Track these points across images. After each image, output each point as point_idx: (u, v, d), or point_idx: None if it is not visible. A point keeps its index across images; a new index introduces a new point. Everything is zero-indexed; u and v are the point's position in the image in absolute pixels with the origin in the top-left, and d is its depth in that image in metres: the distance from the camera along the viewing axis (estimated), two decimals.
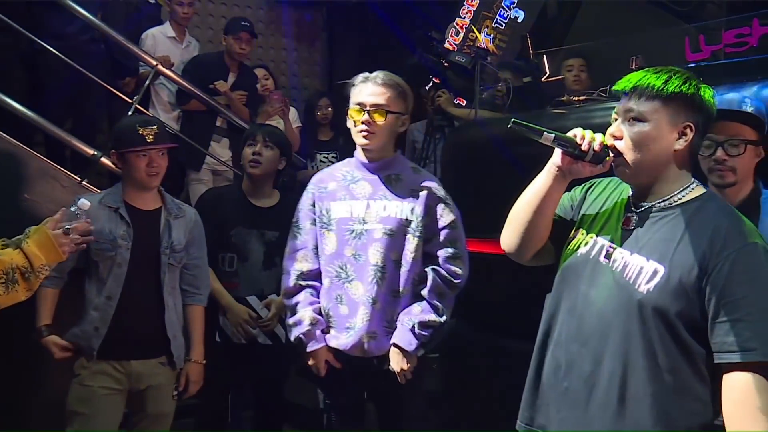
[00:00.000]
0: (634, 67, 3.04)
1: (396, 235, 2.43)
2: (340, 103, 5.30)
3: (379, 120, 2.42)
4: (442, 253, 2.46)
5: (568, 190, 1.84)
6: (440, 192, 2.49)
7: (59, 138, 3.85)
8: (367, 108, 2.41)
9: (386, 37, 6.00)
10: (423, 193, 2.46)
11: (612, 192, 1.81)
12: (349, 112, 2.45)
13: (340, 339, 2.47)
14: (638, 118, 1.63)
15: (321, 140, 5.24)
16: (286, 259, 2.61)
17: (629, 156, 1.64)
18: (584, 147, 1.65)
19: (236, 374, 3.08)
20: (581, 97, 3.46)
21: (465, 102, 4.58)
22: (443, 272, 2.46)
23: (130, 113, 3.86)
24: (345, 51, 6.72)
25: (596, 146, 1.65)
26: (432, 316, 2.44)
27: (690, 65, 3.04)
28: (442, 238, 2.46)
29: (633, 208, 1.71)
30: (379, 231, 2.43)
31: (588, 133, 1.66)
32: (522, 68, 4.35)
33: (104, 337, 2.66)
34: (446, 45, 4.77)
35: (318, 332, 2.50)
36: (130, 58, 4.35)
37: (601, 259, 1.69)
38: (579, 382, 1.67)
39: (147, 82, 4.13)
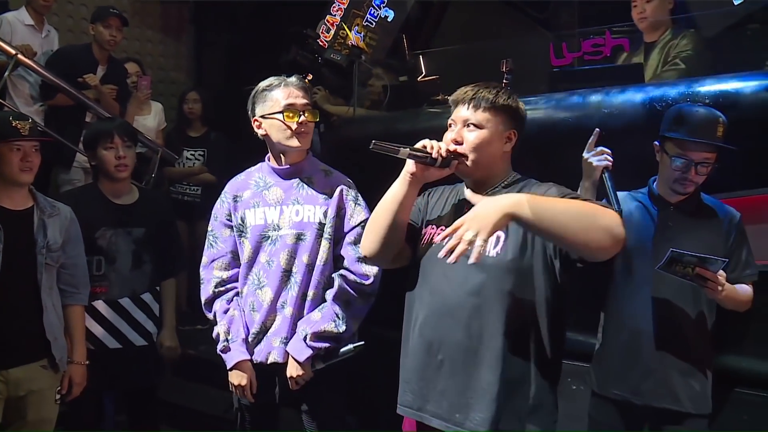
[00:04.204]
0: (504, 70, 3.25)
1: (309, 240, 2.42)
2: (211, 98, 5.28)
3: (313, 119, 2.43)
4: (351, 254, 2.42)
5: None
6: (351, 192, 2.49)
7: None
8: (300, 109, 2.40)
9: (255, 31, 5.98)
10: (335, 195, 2.45)
11: (449, 193, 2.13)
12: (282, 117, 2.41)
13: (254, 348, 2.47)
14: (476, 125, 1.96)
15: (190, 136, 5.14)
16: (204, 269, 2.58)
17: (471, 157, 1.96)
18: (434, 155, 1.91)
19: (108, 379, 2.99)
20: None
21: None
22: (351, 276, 2.42)
23: None
24: (213, 45, 6.62)
25: (443, 153, 1.92)
26: (329, 326, 2.39)
27: (555, 69, 3.28)
28: (352, 238, 2.44)
29: (471, 200, 2.00)
30: (291, 236, 2.42)
31: (435, 143, 1.91)
32: (397, 67, 4.48)
33: None
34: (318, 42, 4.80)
35: (236, 345, 2.47)
36: None
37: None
38: (451, 351, 1.93)
39: (7, 73, 3.87)
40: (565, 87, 3.03)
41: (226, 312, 2.51)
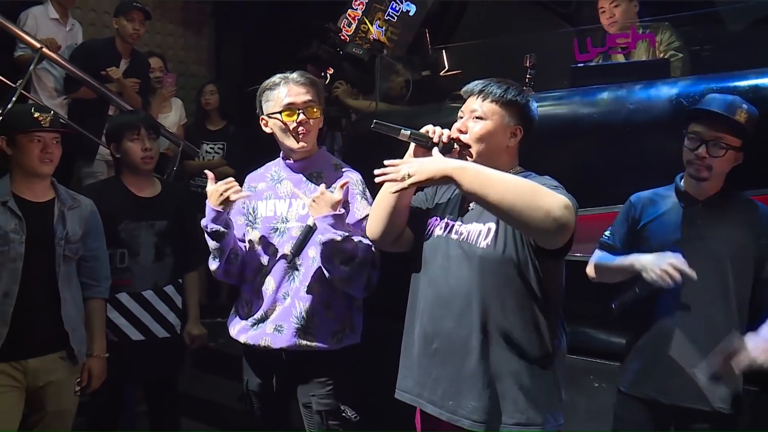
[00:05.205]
0: (528, 65, 3.23)
1: (314, 233, 2.36)
2: (230, 91, 5.29)
3: (315, 116, 2.41)
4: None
5: None
6: (359, 186, 2.48)
7: None
8: (300, 108, 2.39)
9: (275, 24, 5.99)
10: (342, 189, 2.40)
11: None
12: (280, 117, 2.40)
13: (249, 332, 2.49)
14: (481, 117, 1.99)
15: (209, 130, 5.17)
16: None
17: (473, 147, 1.99)
18: (435, 139, 1.96)
19: (131, 370, 3.02)
20: None
21: None
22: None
23: (14, 99, 3.66)
24: (233, 38, 6.63)
25: (444, 139, 1.97)
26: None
27: (579, 65, 3.25)
28: (360, 231, 2.39)
29: None
30: (297, 229, 2.40)
31: (437, 129, 1.97)
32: (418, 62, 4.47)
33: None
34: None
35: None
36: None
37: (452, 235, 2.02)
38: (444, 340, 1.97)
39: (32, 66, 3.89)
40: (589, 82, 2.99)
41: None
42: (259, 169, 2.64)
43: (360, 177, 2.51)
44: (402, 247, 2.20)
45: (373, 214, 2.16)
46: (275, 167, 2.58)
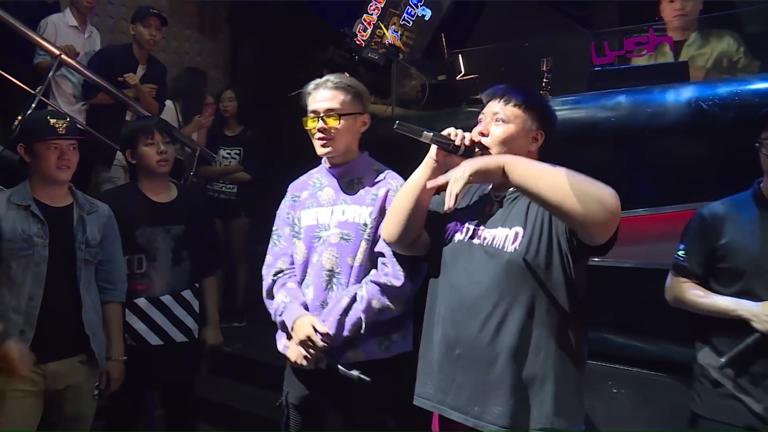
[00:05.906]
0: (545, 69, 3.21)
1: (353, 240, 2.36)
2: (247, 96, 5.31)
3: (333, 124, 2.38)
4: (388, 252, 2.31)
5: None
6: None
7: None
8: (321, 115, 2.39)
9: (291, 29, 6.01)
10: (380, 195, 2.39)
11: (476, 190, 2.15)
12: (305, 122, 2.43)
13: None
14: (504, 120, 1.98)
15: (226, 135, 5.19)
16: (267, 267, 2.56)
17: (494, 150, 1.98)
18: (457, 142, 1.96)
19: (149, 374, 3.02)
20: None
21: None
22: (382, 278, 2.31)
23: (34, 105, 3.69)
24: (249, 43, 6.66)
25: (467, 142, 1.97)
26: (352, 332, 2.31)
27: (596, 68, 3.22)
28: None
29: (494, 198, 2.05)
30: (335, 236, 2.38)
31: (460, 132, 1.96)
32: (434, 66, 4.45)
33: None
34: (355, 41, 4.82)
35: (294, 304, 2.40)
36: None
37: (475, 240, 2.00)
38: (468, 346, 1.94)
39: (51, 73, 3.94)
40: (607, 86, 2.97)
41: (284, 285, 2.48)
42: (301, 177, 2.63)
43: (401, 182, 2.38)
44: (418, 251, 2.18)
45: (391, 216, 2.14)
46: (317, 174, 2.57)
